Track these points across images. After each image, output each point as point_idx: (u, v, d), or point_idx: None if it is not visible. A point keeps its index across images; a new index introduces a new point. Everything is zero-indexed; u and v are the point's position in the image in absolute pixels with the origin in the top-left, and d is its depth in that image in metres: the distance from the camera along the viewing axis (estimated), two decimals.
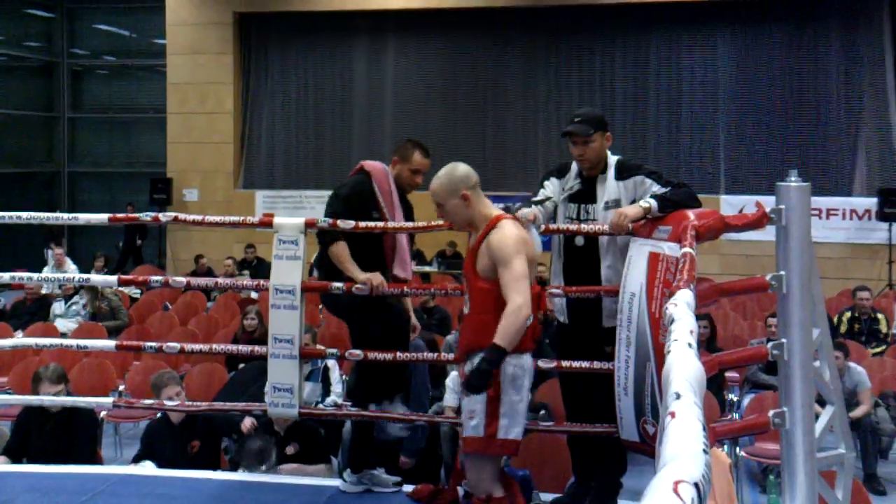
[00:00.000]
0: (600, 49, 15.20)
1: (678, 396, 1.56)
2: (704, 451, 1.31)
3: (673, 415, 1.45)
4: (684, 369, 1.75)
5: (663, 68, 15.01)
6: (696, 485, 1.16)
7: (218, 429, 5.47)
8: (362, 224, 4.09)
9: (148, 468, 4.83)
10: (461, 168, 3.62)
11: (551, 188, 4.08)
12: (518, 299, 3.33)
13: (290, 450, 5.12)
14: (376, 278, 4.03)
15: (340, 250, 4.12)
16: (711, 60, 14.86)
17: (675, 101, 14.95)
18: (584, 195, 4.02)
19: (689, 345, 2.00)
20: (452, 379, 5.38)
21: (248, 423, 5.16)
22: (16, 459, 5.17)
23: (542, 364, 4.26)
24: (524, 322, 3.35)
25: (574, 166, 4.06)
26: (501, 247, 3.41)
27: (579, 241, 4.01)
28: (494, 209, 3.61)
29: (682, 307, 2.49)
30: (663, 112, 14.99)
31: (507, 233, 3.47)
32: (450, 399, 5.36)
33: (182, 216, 4.67)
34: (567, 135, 3.99)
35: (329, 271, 4.18)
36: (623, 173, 3.96)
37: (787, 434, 3.67)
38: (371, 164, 4.31)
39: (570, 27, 15.21)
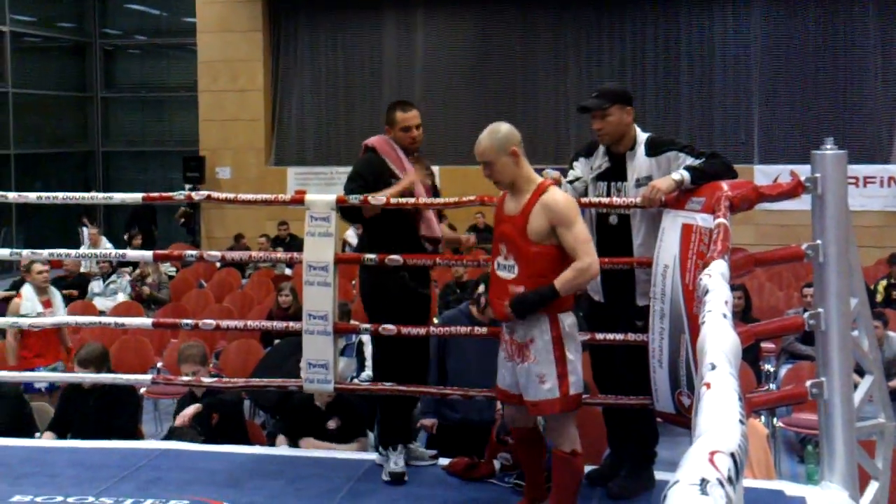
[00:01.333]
0: (630, 21, 15.03)
1: (713, 367, 1.55)
2: (740, 421, 1.30)
3: (708, 385, 1.45)
4: (719, 340, 1.75)
5: (695, 38, 14.81)
6: (732, 455, 1.16)
7: (238, 404, 5.56)
8: (393, 200, 4.09)
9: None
10: (505, 126, 3.62)
11: (580, 168, 4.04)
12: (586, 259, 3.45)
13: (331, 424, 5.17)
14: (411, 175, 4.16)
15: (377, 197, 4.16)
16: (745, 28, 14.63)
17: (707, 71, 14.76)
18: (614, 173, 3.96)
19: (724, 315, 2.00)
20: None
21: (185, 416, 5.14)
22: (61, 435, 5.28)
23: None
24: (589, 279, 3.54)
25: (602, 145, 4.02)
26: (563, 208, 3.48)
27: (613, 219, 3.97)
28: (536, 175, 3.62)
29: (716, 278, 2.48)
30: (695, 82, 14.81)
31: (562, 196, 3.54)
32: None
33: (215, 194, 4.71)
34: (582, 109, 3.96)
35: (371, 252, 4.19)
36: (654, 149, 3.91)
37: (826, 404, 3.66)
38: (372, 140, 4.36)
39: (600, 1, 15.05)
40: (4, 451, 4.63)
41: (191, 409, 5.12)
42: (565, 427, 3.58)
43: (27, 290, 6.65)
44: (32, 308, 6.80)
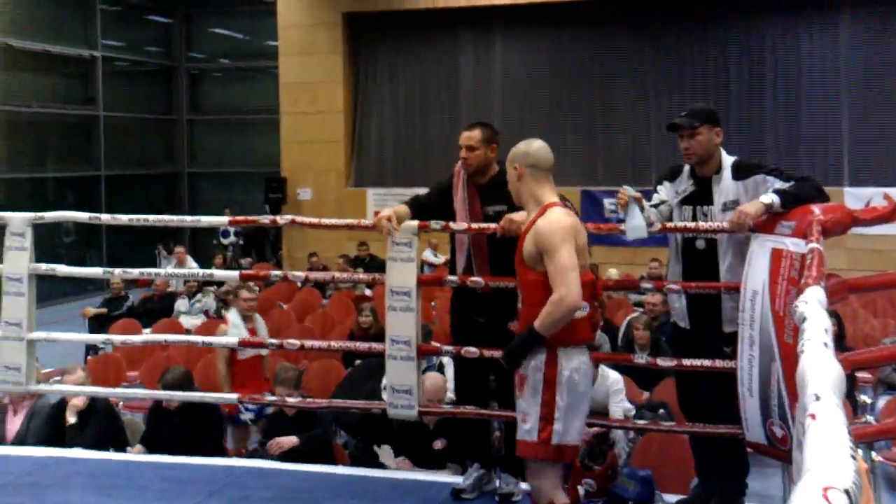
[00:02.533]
0: (713, 38, 14.81)
1: (818, 398, 1.51)
2: (852, 456, 1.26)
3: (814, 417, 1.40)
4: (822, 369, 1.70)
5: (780, 56, 14.51)
6: (846, 492, 1.12)
7: (328, 424, 5.61)
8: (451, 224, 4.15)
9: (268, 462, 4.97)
10: (526, 145, 3.55)
11: (664, 192, 3.98)
12: (562, 290, 3.20)
13: (437, 444, 5.13)
14: (380, 221, 4.20)
15: (399, 208, 4.28)
16: (832, 46, 14.26)
17: (793, 90, 14.43)
18: (699, 197, 3.89)
19: (825, 344, 1.93)
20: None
21: (280, 446, 5.20)
22: (150, 449, 5.42)
23: (661, 362, 4.20)
24: (566, 312, 3.23)
25: (686, 168, 3.96)
26: (547, 236, 3.27)
27: (700, 244, 3.90)
28: (551, 196, 3.45)
29: (813, 305, 2.40)
30: (781, 102, 14.49)
31: (554, 220, 3.32)
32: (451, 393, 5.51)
33: (299, 219, 4.78)
34: (672, 128, 3.91)
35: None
36: (741, 173, 3.83)
37: None
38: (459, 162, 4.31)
39: (680, 17, 14.88)
40: (95, 464, 4.77)
41: (287, 444, 5.20)
42: (542, 477, 3.33)
43: (234, 316, 6.49)
44: (239, 335, 6.47)
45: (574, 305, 3.22)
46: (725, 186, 3.84)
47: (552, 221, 3.31)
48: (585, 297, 3.30)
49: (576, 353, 3.33)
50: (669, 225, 3.92)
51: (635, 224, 3.76)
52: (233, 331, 6.18)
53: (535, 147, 3.52)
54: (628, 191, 3.80)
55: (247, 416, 5.71)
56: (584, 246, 3.44)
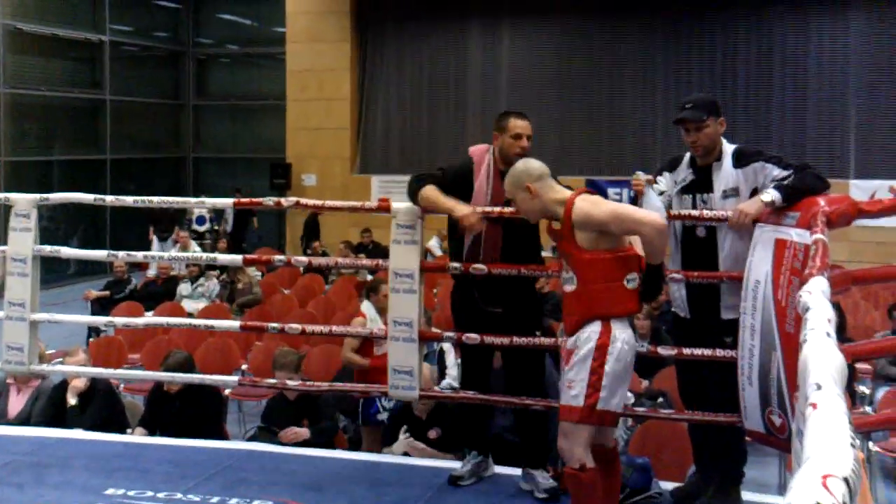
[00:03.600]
0: (721, 28, 14.76)
1: (819, 387, 1.50)
2: (852, 445, 1.25)
3: (815, 406, 1.40)
4: (824, 359, 1.69)
5: (789, 47, 14.46)
6: (846, 480, 1.12)
7: (332, 409, 5.62)
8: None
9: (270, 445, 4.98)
10: (523, 163, 3.68)
11: (664, 183, 3.97)
12: (646, 223, 3.39)
13: (432, 434, 5.13)
14: (471, 216, 3.96)
15: (429, 192, 4.06)
16: (841, 38, 14.21)
17: (801, 82, 14.39)
18: (699, 185, 3.89)
19: (828, 334, 1.93)
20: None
21: (291, 436, 5.18)
22: (151, 431, 5.43)
23: (662, 351, 4.20)
24: (663, 236, 3.45)
25: (686, 157, 3.95)
26: (591, 210, 3.46)
27: (701, 231, 3.90)
28: (566, 192, 3.62)
29: (816, 295, 2.40)
30: (789, 93, 14.44)
31: (584, 202, 3.50)
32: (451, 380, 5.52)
33: (304, 201, 4.78)
34: (679, 122, 3.89)
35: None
36: (741, 160, 3.83)
37: None
38: (473, 149, 4.26)
39: (689, 7, 14.82)
40: (100, 446, 4.79)
41: (300, 436, 5.21)
42: (577, 441, 3.44)
43: (369, 310, 6.46)
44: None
45: (662, 224, 3.44)
46: (726, 174, 3.84)
47: (585, 204, 3.48)
48: (633, 269, 3.48)
49: (626, 325, 3.50)
50: (673, 212, 3.91)
51: (654, 205, 3.77)
52: (370, 324, 6.08)
53: (531, 163, 3.68)
54: (641, 176, 3.81)
55: (383, 416, 5.60)
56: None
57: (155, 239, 14.78)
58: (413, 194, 4.14)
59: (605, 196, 4.05)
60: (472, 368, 4.33)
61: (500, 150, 4.13)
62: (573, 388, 3.40)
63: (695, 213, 3.88)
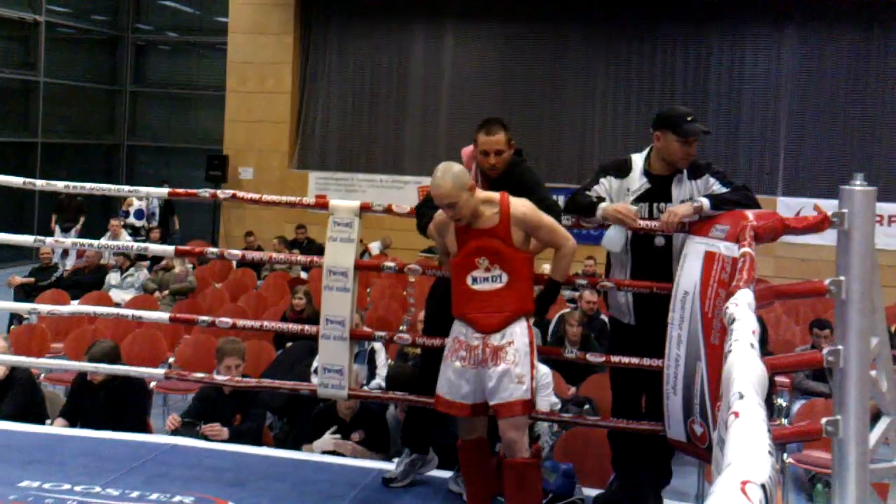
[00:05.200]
0: (662, 42, 15.02)
1: (741, 396, 1.54)
2: (770, 452, 1.29)
3: (737, 414, 1.43)
4: (747, 370, 1.73)
5: (725, 63, 14.79)
6: (762, 486, 1.15)
7: (262, 402, 5.54)
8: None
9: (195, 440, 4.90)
10: (451, 165, 3.65)
11: (606, 187, 3.97)
12: (568, 241, 3.71)
13: (354, 437, 5.09)
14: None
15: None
16: (775, 58, 14.58)
17: (735, 98, 14.72)
18: (655, 194, 3.92)
19: (752, 345, 1.98)
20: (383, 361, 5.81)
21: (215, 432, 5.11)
22: (72, 423, 5.30)
23: (591, 358, 4.25)
24: (573, 257, 3.77)
25: (637, 165, 3.97)
26: (530, 212, 3.66)
27: (659, 241, 3.91)
28: (486, 192, 3.73)
29: (742, 307, 2.45)
30: (723, 109, 14.76)
31: (524, 202, 3.69)
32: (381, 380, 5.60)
33: (240, 194, 4.73)
34: (701, 133, 3.91)
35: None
36: (695, 172, 3.91)
37: (840, 443, 3.61)
38: (465, 150, 4.14)
39: (632, 19, 15.04)
40: (16, 437, 4.66)
41: (220, 435, 5.10)
42: (524, 431, 3.67)
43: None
44: None
45: (575, 249, 3.75)
46: (685, 185, 3.90)
47: (524, 203, 3.68)
48: None
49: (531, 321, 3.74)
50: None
51: (616, 237, 3.86)
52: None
53: (458, 166, 3.69)
54: (630, 210, 3.83)
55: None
56: None
57: (57, 229, 14.18)
58: (423, 229, 4.03)
59: None
60: (433, 369, 4.26)
61: (476, 161, 4.04)
62: (524, 383, 3.57)
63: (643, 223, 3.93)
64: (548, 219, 3.69)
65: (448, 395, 3.69)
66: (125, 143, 19.08)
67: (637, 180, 3.95)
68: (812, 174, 14.15)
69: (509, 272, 3.61)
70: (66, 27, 18.07)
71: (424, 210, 4.01)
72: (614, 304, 4.08)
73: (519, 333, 3.59)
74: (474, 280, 3.63)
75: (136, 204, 15.13)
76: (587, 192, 3.96)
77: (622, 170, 4.00)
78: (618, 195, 3.96)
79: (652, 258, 3.93)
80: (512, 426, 3.58)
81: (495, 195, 3.68)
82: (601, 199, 3.93)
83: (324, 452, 4.92)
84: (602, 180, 3.99)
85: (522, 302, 3.63)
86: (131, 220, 15.02)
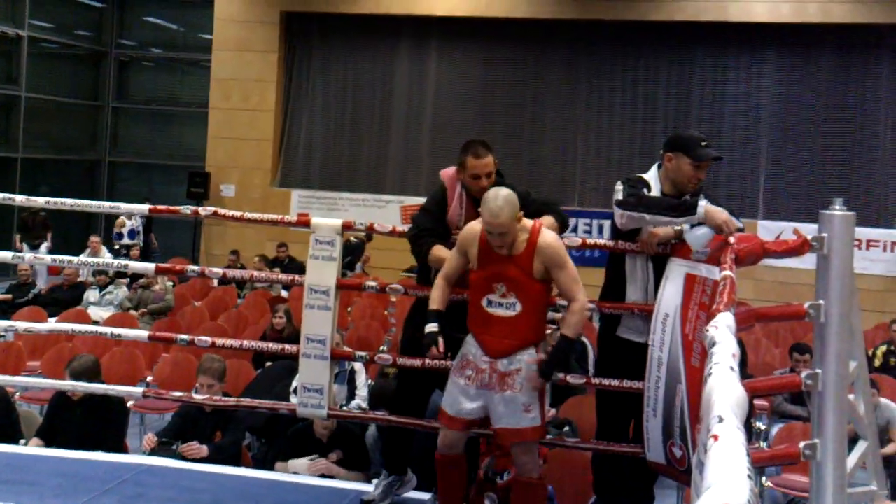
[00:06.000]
0: (644, 65, 15.13)
1: (721, 420, 1.54)
2: (749, 476, 1.29)
3: (716, 438, 1.43)
4: (727, 393, 1.73)
5: (706, 89, 14.91)
6: None
7: (241, 421, 5.49)
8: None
9: (173, 461, 4.85)
10: (511, 192, 3.64)
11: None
12: (582, 297, 3.67)
13: (332, 457, 5.05)
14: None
15: (439, 252, 3.90)
16: (756, 83, 14.73)
17: (716, 123, 14.84)
18: None
19: (732, 368, 1.98)
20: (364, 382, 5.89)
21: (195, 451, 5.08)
22: (48, 442, 5.22)
23: (571, 380, 4.24)
24: (585, 315, 3.78)
25: (655, 186, 3.99)
26: (557, 250, 3.66)
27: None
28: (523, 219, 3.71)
29: (723, 330, 2.46)
30: (704, 132, 14.68)
31: (555, 238, 3.71)
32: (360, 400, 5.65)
33: (222, 211, 4.71)
34: (716, 160, 3.98)
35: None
36: (694, 194, 3.96)
37: (818, 467, 3.61)
38: (444, 172, 4.11)
39: (614, 43, 15.16)
40: None
41: (199, 453, 5.05)
42: (535, 453, 3.77)
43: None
44: None
45: (586, 306, 3.73)
46: None
47: (555, 239, 3.70)
48: None
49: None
50: (590, 241, 4.07)
51: (706, 236, 3.75)
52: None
53: (512, 193, 3.65)
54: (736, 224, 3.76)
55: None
56: None
57: (25, 247, 13.91)
58: (423, 258, 4.01)
59: None
60: (411, 393, 4.22)
61: (463, 185, 4.02)
62: (531, 411, 3.63)
63: (610, 243, 3.97)
64: (571, 266, 3.66)
65: (451, 411, 3.72)
66: (107, 159, 18.99)
67: None
68: (792, 198, 14.27)
69: (524, 302, 3.64)
70: (49, 42, 18.00)
71: (423, 240, 3.96)
72: (631, 323, 4.03)
73: (527, 361, 3.63)
74: (489, 303, 3.67)
75: (129, 224, 14.96)
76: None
77: (647, 186, 4.01)
78: None
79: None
80: (524, 451, 3.71)
81: (529, 223, 3.68)
82: (694, 200, 3.81)
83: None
84: (644, 190, 3.99)
85: (534, 332, 3.67)
86: (125, 240, 14.77)
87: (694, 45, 14.88)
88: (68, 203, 4.85)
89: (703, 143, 3.95)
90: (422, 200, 4.34)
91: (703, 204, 3.72)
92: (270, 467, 5.07)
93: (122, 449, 5.39)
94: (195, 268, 5.10)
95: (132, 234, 15.06)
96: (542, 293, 3.68)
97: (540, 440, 3.75)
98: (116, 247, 14.44)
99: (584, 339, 7.52)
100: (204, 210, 4.77)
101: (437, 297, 3.77)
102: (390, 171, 15.90)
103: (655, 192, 3.97)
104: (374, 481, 4.30)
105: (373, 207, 15.28)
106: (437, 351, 3.67)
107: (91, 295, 10.28)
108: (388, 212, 14.92)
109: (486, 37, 15.58)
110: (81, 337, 7.38)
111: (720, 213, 3.68)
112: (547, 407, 3.74)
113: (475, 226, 3.71)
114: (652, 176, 4.02)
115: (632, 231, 3.92)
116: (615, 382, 3.94)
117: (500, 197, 3.56)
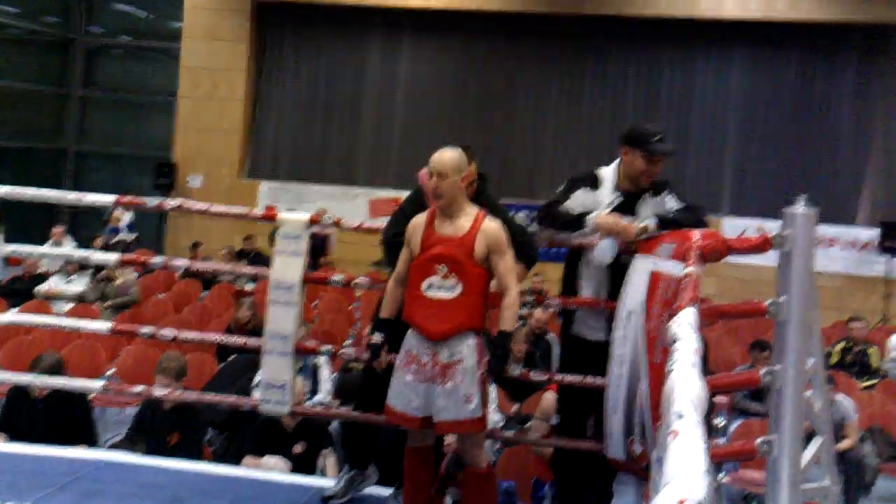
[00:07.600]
0: (614, 61, 15.19)
1: (681, 416, 1.55)
2: (707, 471, 1.30)
3: (675, 434, 1.44)
4: (687, 389, 1.74)
5: (675, 85, 15.01)
6: None
7: (203, 420, 5.45)
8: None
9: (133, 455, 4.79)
10: (461, 151, 3.76)
11: (581, 200, 3.97)
12: (515, 288, 3.68)
13: (297, 448, 5.03)
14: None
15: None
16: (724, 80, 14.85)
17: (684, 119, 14.93)
18: (623, 209, 3.96)
19: (693, 365, 1.99)
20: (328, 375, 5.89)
21: None
22: (10, 437, 5.13)
23: (534, 376, 4.25)
24: (519, 305, 3.80)
25: (609, 179, 3.99)
26: (500, 238, 3.67)
27: (625, 259, 3.93)
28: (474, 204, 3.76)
29: (685, 327, 2.47)
30: (672, 128, 14.92)
31: (499, 226, 3.71)
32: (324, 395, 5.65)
33: (187, 204, 4.67)
34: (670, 154, 4.00)
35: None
36: (657, 188, 3.97)
37: (774, 462, 3.64)
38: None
39: (585, 37, 15.21)
40: None
41: None
42: (482, 445, 3.79)
43: None
44: None
45: (518, 300, 3.75)
46: (650, 201, 3.96)
47: (499, 226, 3.70)
48: None
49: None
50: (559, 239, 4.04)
51: (608, 248, 3.84)
52: None
53: (463, 155, 3.75)
54: (649, 226, 3.81)
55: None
56: None
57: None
58: (390, 240, 3.98)
59: None
60: (377, 388, 4.20)
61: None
62: (472, 402, 3.59)
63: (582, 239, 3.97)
64: (511, 257, 3.69)
65: (399, 408, 3.68)
66: (73, 148, 18.73)
67: (609, 194, 3.98)
68: (758, 195, 14.38)
69: (465, 284, 3.62)
70: (15, 27, 17.71)
71: (393, 252, 3.90)
72: (585, 321, 4.05)
73: (467, 353, 3.60)
74: (429, 286, 3.62)
75: (126, 218, 14.55)
76: (560, 206, 3.94)
77: (594, 182, 4.02)
78: (591, 208, 3.95)
79: (621, 275, 3.92)
80: (471, 443, 3.72)
81: (475, 210, 3.72)
82: (586, 213, 3.91)
83: None
84: (577, 192, 4.00)
85: (473, 316, 3.63)
86: (122, 235, 14.42)
87: (663, 42, 14.97)
88: (30, 193, 4.77)
89: (657, 138, 3.94)
90: (391, 193, 4.33)
91: (591, 217, 3.83)
92: (234, 461, 5.04)
93: (94, 441, 5.33)
94: (159, 259, 5.03)
95: (132, 226, 14.67)
96: (482, 277, 3.67)
97: (482, 430, 3.73)
98: (113, 242, 14.01)
99: (549, 335, 7.55)
100: (169, 203, 4.71)
101: (387, 302, 3.79)
102: (361, 163, 15.83)
103: (608, 186, 3.98)
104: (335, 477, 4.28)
105: (342, 199, 15.20)
106: (382, 364, 3.75)
107: (55, 281, 10.15)
108: (357, 204, 14.83)
109: (458, 29, 15.56)
110: (41, 330, 7.26)
111: (610, 224, 3.79)
112: (490, 403, 3.75)
113: (421, 216, 3.75)
114: (610, 170, 4.02)
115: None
116: (578, 378, 3.94)
117: (449, 148, 3.72)
